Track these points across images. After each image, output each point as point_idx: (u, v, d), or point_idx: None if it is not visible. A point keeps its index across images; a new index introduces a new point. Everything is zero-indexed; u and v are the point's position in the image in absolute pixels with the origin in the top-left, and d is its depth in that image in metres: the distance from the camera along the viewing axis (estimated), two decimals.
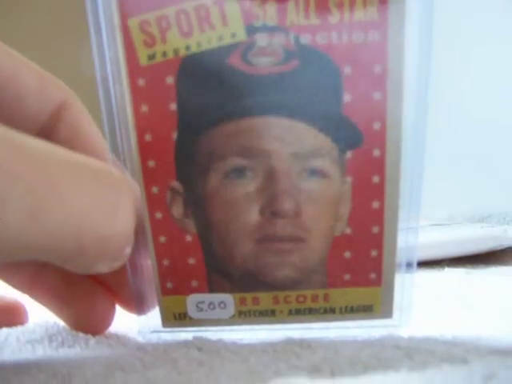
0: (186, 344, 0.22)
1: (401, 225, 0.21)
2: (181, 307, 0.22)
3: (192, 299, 0.22)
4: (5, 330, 0.25)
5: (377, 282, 0.22)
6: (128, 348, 0.22)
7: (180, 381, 0.18)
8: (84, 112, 0.23)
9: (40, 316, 0.27)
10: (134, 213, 0.19)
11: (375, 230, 0.21)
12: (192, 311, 0.22)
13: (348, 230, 0.21)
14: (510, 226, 0.49)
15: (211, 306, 0.22)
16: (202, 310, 0.22)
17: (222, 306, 0.22)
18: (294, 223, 0.21)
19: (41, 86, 0.22)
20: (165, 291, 0.22)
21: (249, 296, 0.22)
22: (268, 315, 0.22)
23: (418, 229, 0.22)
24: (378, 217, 0.21)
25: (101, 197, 0.17)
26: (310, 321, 0.22)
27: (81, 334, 0.24)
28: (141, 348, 0.22)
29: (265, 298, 0.22)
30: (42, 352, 0.22)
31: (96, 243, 0.17)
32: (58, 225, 0.16)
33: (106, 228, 0.17)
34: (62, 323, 0.26)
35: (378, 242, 0.21)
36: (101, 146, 0.23)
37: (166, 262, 0.22)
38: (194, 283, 0.22)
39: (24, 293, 0.25)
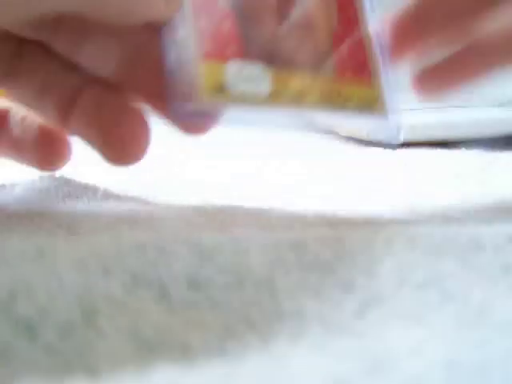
0: None
1: None
2: (218, 77, 0.19)
3: (231, 67, 0.19)
4: (10, 179, 0.25)
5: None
6: (135, 202, 0.22)
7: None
8: None
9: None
10: None
11: None
12: (230, 81, 0.19)
13: None
14: None
15: (249, 78, 0.20)
16: (239, 80, 0.20)
17: (260, 77, 0.20)
18: None
19: None
20: (202, 56, 0.19)
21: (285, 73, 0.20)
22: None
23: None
24: None
25: None
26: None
27: (89, 186, 0.23)
28: (147, 203, 0.22)
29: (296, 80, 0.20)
30: (48, 202, 0.22)
31: None
32: None
33: None
34: (70, 176, 0.25)
35: None
36: None
37: (202, 23, 0.19)
38: (232, 47, 0.20)
39: (31, 107, 0.22)
